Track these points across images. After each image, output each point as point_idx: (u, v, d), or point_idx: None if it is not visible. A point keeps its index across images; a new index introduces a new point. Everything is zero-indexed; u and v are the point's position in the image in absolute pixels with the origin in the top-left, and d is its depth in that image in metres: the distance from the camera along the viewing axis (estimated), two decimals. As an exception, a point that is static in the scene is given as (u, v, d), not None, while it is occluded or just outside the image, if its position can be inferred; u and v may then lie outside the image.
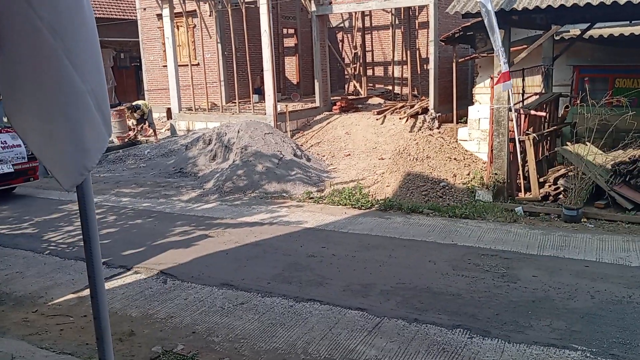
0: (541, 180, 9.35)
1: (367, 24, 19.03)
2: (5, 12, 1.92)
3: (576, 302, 5.46)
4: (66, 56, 2.01)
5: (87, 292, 2.23)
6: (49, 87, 2.03)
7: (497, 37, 8.53)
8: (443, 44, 14.11)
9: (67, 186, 2.18)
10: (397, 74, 18.22)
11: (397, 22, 17.91)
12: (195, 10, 17.21)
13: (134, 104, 17.42)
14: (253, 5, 15.42)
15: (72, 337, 5.11)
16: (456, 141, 12.61)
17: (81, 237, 2.33)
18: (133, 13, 21.72)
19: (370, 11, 18.15)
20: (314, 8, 15.97)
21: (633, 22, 10.92)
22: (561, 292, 5.70)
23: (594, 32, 11.05)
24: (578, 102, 9.95)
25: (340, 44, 20.51)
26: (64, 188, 2.20)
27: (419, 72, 17.34)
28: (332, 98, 17.02)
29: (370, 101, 17.66)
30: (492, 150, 9.36)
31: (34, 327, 5.34)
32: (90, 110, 2.15)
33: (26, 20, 1.93)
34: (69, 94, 2.06)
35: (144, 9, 19.79)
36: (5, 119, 10.82)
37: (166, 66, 17.98)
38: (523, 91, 11.10)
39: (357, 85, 18.91)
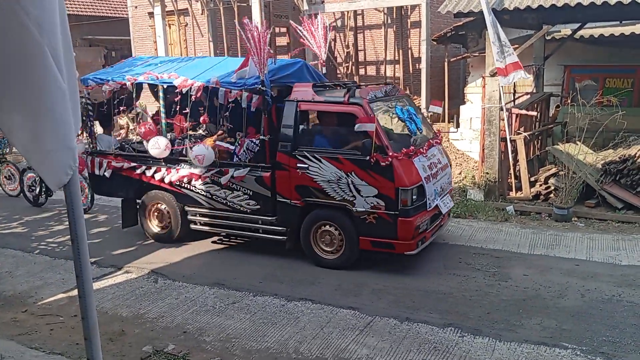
0: (532, 179, 9.38)
1: (360, 23, 19.01)
2: None
3: (566, 300, 5.49)
4: (50, 53, 1.98)
5: (77, 291, 2.22)
6: (35, 85, 2.01)
7: (500, 32, 8.55)
8: (435, 43, 14.14)
9: (54, 186, 2.17)
10: (389, 73, 18.23)
11: (389, 21, 17.90)
12: (187, 9, 17.14)
13: None
14: (245, 4, 15.38)
15: (62, 337, 5.08)
16: (448, 140, 12.64)
17: (70, 236, 2.31)
18: (124, 11, 21.59)
19: (362, 10, 18.14)
20: (306, 7, 15.96)
21: (623, 22, 10.99)
22: (552, 290, 5.72)
23: (585, 32, 11.11)
24: (569, 101, 10.00)
25: (333, 43, 20.49)
26: (50, 188, 2.18)
27: (411, 71, 17.36)
28: (324, 97, 16.97)
29: (362, 100, 17.61)
30: (483, 150, 9.38)
31: (23, 327, 5.30)
32: (71, 109, 2.13)
33: (13, 15, 1.90)
34: (54, 91, 2.04)
35: (135, 7, 19.67)
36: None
37: (158, 65, 17.89)
38: (514, 91, 11.14)
39: (350, 84, 18.88)
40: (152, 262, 6.93)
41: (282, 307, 5.55)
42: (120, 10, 22.89)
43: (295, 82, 6.89)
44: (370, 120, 5.98)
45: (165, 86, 7.32)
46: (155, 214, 7.62)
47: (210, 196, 7.04)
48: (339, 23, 20.09)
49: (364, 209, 6.16)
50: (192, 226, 7.40)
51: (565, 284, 5.87)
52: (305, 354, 4.63)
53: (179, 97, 7.04)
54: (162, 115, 7.43)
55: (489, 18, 8.53)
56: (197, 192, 7.13)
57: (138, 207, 7.73)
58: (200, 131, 7.57)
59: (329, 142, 6.52)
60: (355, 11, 18.05)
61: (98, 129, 8.64)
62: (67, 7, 21.25)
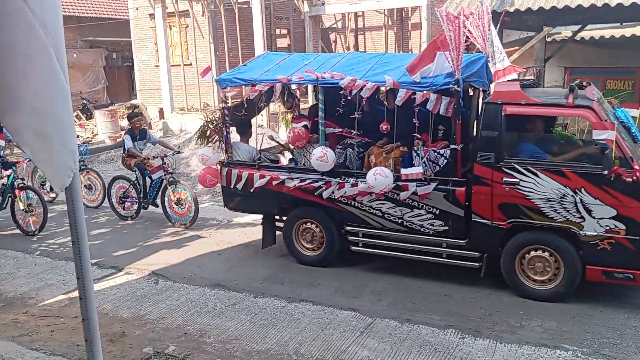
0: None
1: (360, 24, 19.04)
2: None
3: (567, 302, 5.49)
4: (55, 53, 1.99)
5: (77, 293, 2.24)
6: (41, 85, 2.01)
7: (495, 37, 8.55)
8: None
9: (58, 187, 2.18)
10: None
11: (389, 23, 17.92)
12: (187, 11, 17.15)
13: (130, 103, 17.55)
14: (246, 6, 15.40)
15: (63, 338, 5.08)
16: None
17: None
18: (125, 13, 21.62)
19: (363, 12, 18.15)
20: (306, 9, 15.96)
21: (624, 23, 11.00)
22: (552, 292, 5.72)
23: (586, 34, 11.13)
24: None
25: (334, 44, 20.51)
26: (54, 189, 2.19)
27: (411, 73, 17.37)
28: (325, 98, 16.97)
29: (363, 102, 17.64)
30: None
31: (24, 328, 5.31)
32: (71, 111, 2.14)
33: (20, 14, 1.90)
34: (58, 92, 2.05)
35: (136, 9, 19.69)
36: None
37: (159, 66, 17.92)
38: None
39: (350, 85, 18.89)
40: (152, 263, 6.94)
41: (282, 308, 5.55)
42: (121, 12, 22.91)
43: (478, 82, 5.96)
44: (607, 126, 4.99)
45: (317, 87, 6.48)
46: (304, 233, 6.65)
47: (381, 214, 6.04)
48: (339, 25, 20.12)
49: (595, 233, 5.19)
50: (353, 248, 6.44)
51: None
52: (306, 356, 4.63)
53: (343, 99, 6.23)
54: (321, 120, 6.36)
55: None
56: (364, 210, 6.12)
57: (284, 225, 6.80)
58: (360, 139, 6.54)
59: (546, 152, 5.55)
60: (355, 13, 18.06)
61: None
62: (69, 9, 21.32)
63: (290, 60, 6.98)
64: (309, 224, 6.60)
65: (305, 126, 6.89)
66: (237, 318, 5.37)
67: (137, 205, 8.82)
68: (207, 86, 17.54)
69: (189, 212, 8.37)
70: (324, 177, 6.27)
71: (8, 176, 8.42)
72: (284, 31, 20.28)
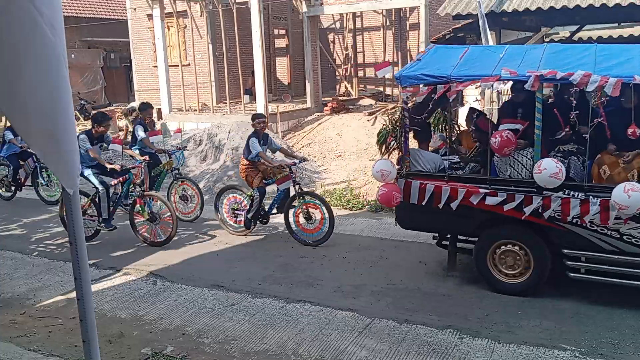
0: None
1: (358, 25, 19.06)
2: (7, 7, 1.89)
3: (565, 302, 5.49)
4: (61, 53, 2.00)
5: (75, 293, 2.25)
6: (50, 85, 2.02)
7: (488, 38, 8.61)
8: (434, 45, 14.16)
9: (69, 187, 2.18)
10: (388, 75, 18.26)
11: (388, 23, 17.94)
12: (186, 11, 17.15)
13: (129, 106, 17.52)
14: (244, 6, 15.40)
15: (61, 339, 5.08)
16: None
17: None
18: (123, 13, 21.62)
19: (361, 12, 18.17)
20: (305, 9, 15.96)
21: (622, 24, 11.02)
22: (551, 292, 5.72)
23: (583, 34, 11.13)
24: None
25: (332, 45, 20.52)
26: (66, 189, 2.19)
27: (410, 73, 17.37)
28: (323, 99, 17.01)
29: (361, 102, 17.68)
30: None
31: (22, 329, 5.30)
32: (72, 111, 2.15)
33: (27, 15, 1.90)
34: (65, 92, 2.06)
35: (135, 9, 19.68)
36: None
37: (157, 66, 17.91)
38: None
39: (348, 86, 18.92)
40: (150, 264, 6.93)
41: (281, 308, 5.55)
42: (120, 13, 22.92)
43: None
44: None
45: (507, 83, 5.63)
46: (503, 257, 5.67)
47: (618, 236, 5.09)
48: (337, 25, 20.13)
49: None
50: (572, 275, 5.44)
51: (563, 285, 5.87)
52: (304, 356, 4.63)
53: (553, 98, 5.36)
54: (538, 123, 5.31)
55: (481, 22, 8.57)
56: (595, 230, 5.17)
57: (476, 247, 5.89)
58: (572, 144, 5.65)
59: None
60: (354, 13, 18.08)
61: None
62: (67, 10, 21.32)
63: (474, 54, 5.98)
64: (510, 245, 5.64)
65: (514, 130, 5.67)
66: (236, 318, 5.36)
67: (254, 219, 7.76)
68: (205, 87, 17.55)
69: (320, 228, 7.36)
70: (542, 191, 5.27)
71: (122, 183, 7.63)
72: (282, 31, 20.30)
